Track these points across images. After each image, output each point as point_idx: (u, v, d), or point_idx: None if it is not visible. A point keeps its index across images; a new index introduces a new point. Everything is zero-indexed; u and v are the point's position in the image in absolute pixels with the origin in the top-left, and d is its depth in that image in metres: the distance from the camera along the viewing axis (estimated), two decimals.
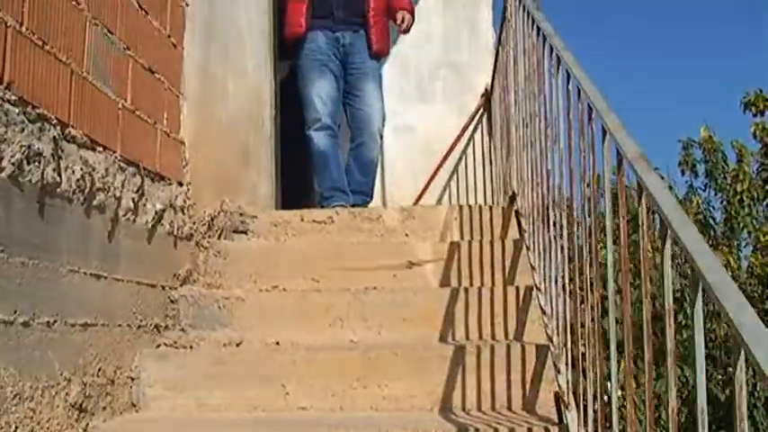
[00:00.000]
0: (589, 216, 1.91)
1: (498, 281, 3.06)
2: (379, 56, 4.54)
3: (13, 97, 1.91)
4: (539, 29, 2.54)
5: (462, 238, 3.40)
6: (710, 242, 7.01)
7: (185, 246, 3.05)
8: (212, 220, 3.34)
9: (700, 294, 1.10)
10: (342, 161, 4.41)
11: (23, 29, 1.96)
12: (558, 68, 2.17)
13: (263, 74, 4.14)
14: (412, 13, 4.55)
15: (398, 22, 4.47)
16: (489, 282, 3.06)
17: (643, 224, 1.36)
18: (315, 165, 4.41)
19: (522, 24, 2.99)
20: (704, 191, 7.61)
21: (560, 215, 2.32)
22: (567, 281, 2.24)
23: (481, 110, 5.59)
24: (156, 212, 2.74)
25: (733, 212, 7.09)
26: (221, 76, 3.46)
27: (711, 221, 7.42)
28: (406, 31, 4.58)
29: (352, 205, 4.24)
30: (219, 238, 3.37)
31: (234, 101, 3.61)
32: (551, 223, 2.49)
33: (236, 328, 2.85)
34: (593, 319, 1.93)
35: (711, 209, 7.55)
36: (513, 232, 3.41)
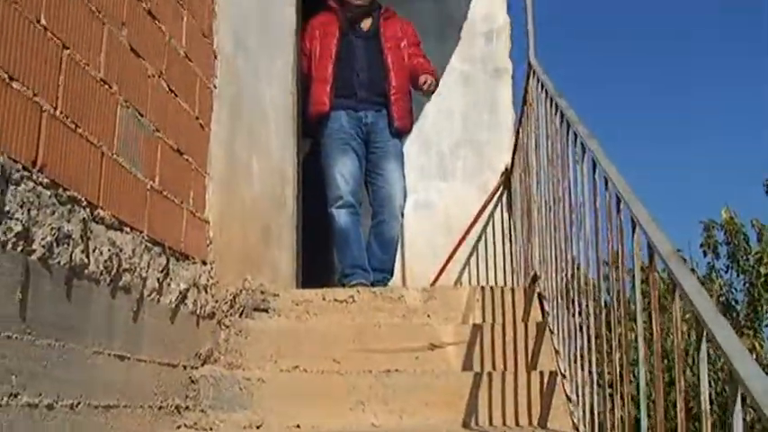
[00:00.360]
0: (618, 304, 1.90)
1: (521, 365, 3.03)
2: (402, 132, 4.58)
3: (46, 180, 1.94)
4: (562, 115, 2.57)
5: (484, 319, 3.38)
6: (733, 325, 6.92)
7: (207, 324, 3.05)
8: (234, 298, 3.34)
9: (738, 401, 1.09)
10: (363, 239, 4.42)
11: (57, 113, 2.00)
12: (583, 156, 2.18)
13: (287, 152, 4.19)
14: (435, 79, 4.60)
15: (421, 83, 4.51)
16: (512, 366, 3.03)
17: (677, 322, 1.36)
18: (336, 242, 4.43)
19: (545, 109, 3.02)
20: (726, 272, 7.56)
21: (587, 302, 2.30)
22: (594, 367, 2.22)
23: (501, 188, 5.62)
24: (180, 292, 2.75)
25: (756, 295, 7.02)
26: (246, 155, 3.50)
27: (734, 303, 7.36)
28: (430, 93, 4.61)
29: (373, 283, 4.25)
30: (241, 316, 3.36)
31: (258, 180, 3.65)
32: (577, 309, 2.47)
33: (256, 410, 2.83)
34: (622, 407, 1.90)
35: (734, 291, 7.49)
36: (535, 314, 3.38)
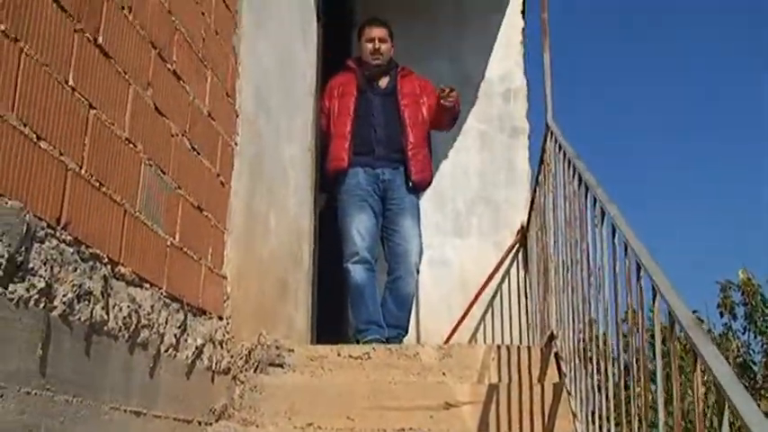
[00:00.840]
0: (637, 367, 1.89)
1: (538, 426, 3.00)
2: (420, 187, 4.60)
3: (69, 237, 1.96)
4: (581, 178, 2.58)
5: (500, 379, 3.36)
6: (751, 386, 6.85)
7: (222, 380, 3.05)
8: (249, 353, 3.34)
9: None
10: (378, 295, 4.42)
11: (82, 171, 2.03)
12: (602, 220, 2.19)
13: (305, 208, 4.22)
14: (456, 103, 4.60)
15: (443, 90, 4.49)
16: (529, 427, 3.00)
17: (697, 391, 1.35)
18: (351, 298, 4.44)
19: (563, 171, 3.04)
20: (743, 333, 7.50)
21: (605, 363, 2.29)
22: (612, 428, 2.20)
23: (517, 245, 5.62)
24: (196, 347, 2.76)
25: None
26: (265, 211, 3.53)
27: (751, 365, 7.28)
28: (450, 104, 4.54)
29: (388, 339, 4.24)
30: (256, 371, 3.35)
31: (276, 236, 3.67)
32: (594, 368, 2.46)
33: None
34: None
35: (751, 352, 7.43)
36: (551, 373, 3.36)
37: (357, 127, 4.53)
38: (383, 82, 4.74)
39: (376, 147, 4.54)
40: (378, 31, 4.71)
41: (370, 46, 4.68)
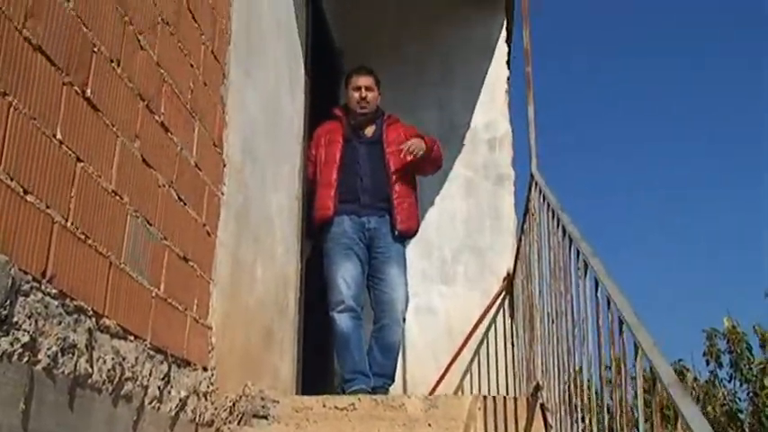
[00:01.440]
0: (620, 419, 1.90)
1: None
2: (406, 235, 4.61)
3: (54, 291, 1.96)
4: (565, 229, 2.60)
5: (486, 430, 3.34)
6: None
7: None
8: (234, 404, 3.31)
9: None
10: (364, 344, 4.41)
11: (68, 224, 2.03)
12: (585, 273, 2.21)
13: (291, 257, 4.22)
14: (429, 146, 4.59)
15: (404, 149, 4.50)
16: None
17: None
18: (337, 346, 4.42)
19: (547, 221, 3.06)
20: (729, 381, 7.51)
21: (591, 416, 2.29)
22: None
23: (503, 293, 5.63)
24: (180, 399, 2.73)
25: (761, 405, 6.96)
26: (251, 261, 3.53)
27: (738, 413, 7.27)
28: (421, 153, 4.53)
29: (374, 388, 4.22)
30: (240, 423, 3.33)
31: (262, 285, 3.66)
32: (579, 416, 2.46)
33: None
34: None
35: (738, 400, 7.42)
36: (537, 425, 3.35)
37: (343, 175, 4.56)
38: (369, 130, 4.77)
39: (362, 195, 4.56)
40: (364, 80, 4.75)
41: (356, 95, 4.72)
